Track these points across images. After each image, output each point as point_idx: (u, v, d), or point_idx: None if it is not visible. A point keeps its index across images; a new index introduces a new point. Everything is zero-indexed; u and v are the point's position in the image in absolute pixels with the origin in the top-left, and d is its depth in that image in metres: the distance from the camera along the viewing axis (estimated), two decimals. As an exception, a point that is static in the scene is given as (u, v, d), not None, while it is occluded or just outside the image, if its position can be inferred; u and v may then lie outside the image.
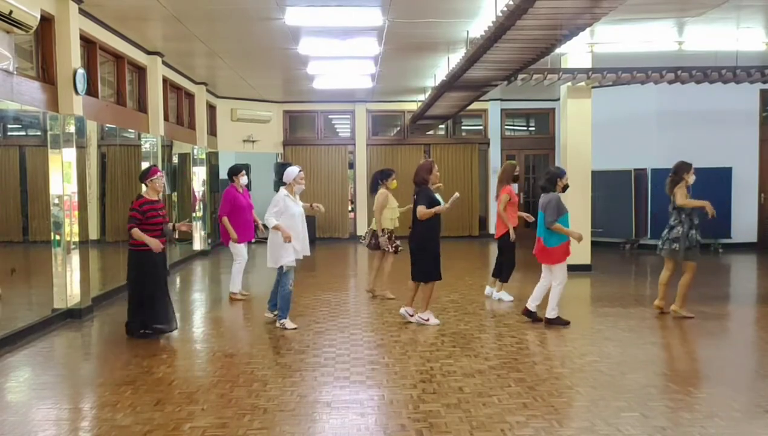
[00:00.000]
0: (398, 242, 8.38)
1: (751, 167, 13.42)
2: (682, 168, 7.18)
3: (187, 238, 12.77)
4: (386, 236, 8.33)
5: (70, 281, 7.46)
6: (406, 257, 7.25)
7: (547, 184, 6.97)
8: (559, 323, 6.83)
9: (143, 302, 6.52)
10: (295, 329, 6.80)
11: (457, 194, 7.02)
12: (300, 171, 6.97)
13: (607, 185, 13.27)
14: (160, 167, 10.44)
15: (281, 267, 6.92)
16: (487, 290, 8.57)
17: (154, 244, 6.39)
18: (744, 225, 13.37)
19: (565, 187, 6.98)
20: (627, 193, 13.44)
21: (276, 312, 7.04)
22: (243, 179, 8.56)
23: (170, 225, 6.86)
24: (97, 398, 4.94)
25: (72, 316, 7.41)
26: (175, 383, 5.17)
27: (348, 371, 5.42)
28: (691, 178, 7.14)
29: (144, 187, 6.69)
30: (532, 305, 7.03)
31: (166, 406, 4.62)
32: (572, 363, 5.61)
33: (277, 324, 6.91)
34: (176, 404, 4.65)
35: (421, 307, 7.05)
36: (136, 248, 6.48)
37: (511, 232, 8.06)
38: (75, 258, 7.53)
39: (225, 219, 8.31)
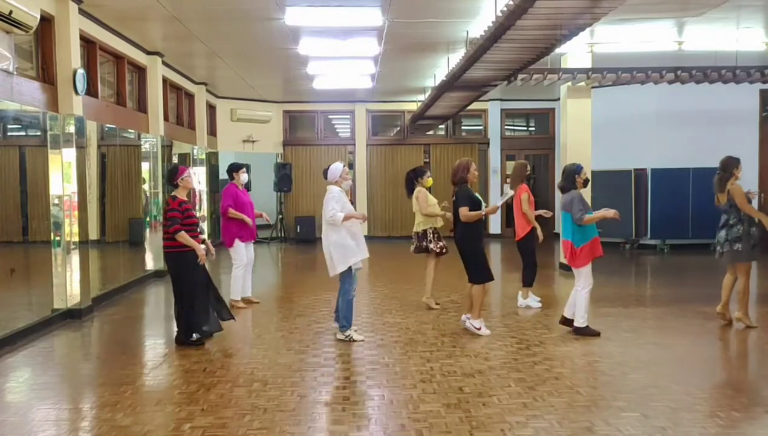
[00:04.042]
0: (442, 243, 7.78)
1: (751, 167, 13.35)
2: (731, 163, 6.66)
3: None
4: (434, 235, 7.76)
5: (70, 281, 7.46)
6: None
7: (566, 183, 6.62)
8: (589, 332, 6.46)
9: (192, 307, 6.22)
10: (362, 340, 6.29)
11: (510, 192, 6.92)
12: (344, 166, 6.52)
13: (607, 185, 13.25)
14: (159, 167, 10.47)
15: (345, 272, 6.27)
16: (520, 301, 8.09)
17: (201, 251, 6.22)
18: (744, 225, 13.35)
19: (585, 182, 6.70)
20: (627, 193, 13.44)
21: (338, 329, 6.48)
22: (243, 177, 8.24)
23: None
24: (97, 398, 4.94)
25: (72, 316, 7.41)
26: (175, 383, 5.17)
27: (348, 371, 5.42)
28: (740, 173, 6.73)
29: (172, 188, 6.46)
30: (569, 312, 6.65)
31: (166, 406, 4.62)
32: (572, 363, 5.61)
33: (342, 336, 6.32)
34: (176, 404, 4.65)
35: (473, 313, 6.61)
36: (175, 249, 6.18)
37: (539, 230, 7.77)
38: (75, 258, 7.52)
39: (232, 210, 7.89)
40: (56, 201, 7.36)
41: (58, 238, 7.39)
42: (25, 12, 6.18)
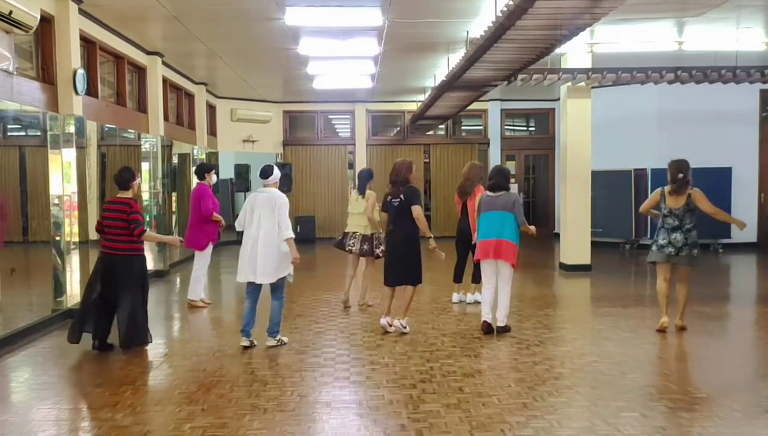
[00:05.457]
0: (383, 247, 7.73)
1: (751, 167, 13.42)
2: (688, 166, 6.54)
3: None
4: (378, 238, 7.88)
5: (70, 281, 7.46)
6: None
7: (504, 182, 6.61)
8: (507, 329, 6.55)
9: (142, 310, 6.13)
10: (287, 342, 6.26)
11: (442, 255, 6.68)
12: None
13: (607, 185, 13.26)
14: (159, 167, 10.46)
15: (282, 280, 6.23)
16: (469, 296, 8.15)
17: (176, 241, 6.51)
18: (744, 225, 13.36)
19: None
20: (627, 193, 13.43)
21: (252, 338, 6.23)
22: (213, 178, 8.27)
23: None
24: (97, 398, 4.93)
25: (72, 316, 7.38)
26: (175, 383, 5.17)
27: (348, 371, 5.42)
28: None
29: (122, 191, 6.15)
30: (489, 316, 6.59)
31: (166, 406, 4.62)
32: (572, 363, 5.61)
33: (274, 342, 6.17)
34: (176, 404, 4.65)
35: (401, 313, 6.70)
36: (141, 252, 6.11)
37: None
38: (75, 258, 7.52)
39: (216, 214, 7.93)
40: (56, 201, 7.36)
41: (58, 238, 7.39)
42: (25, 12, 6.18)
